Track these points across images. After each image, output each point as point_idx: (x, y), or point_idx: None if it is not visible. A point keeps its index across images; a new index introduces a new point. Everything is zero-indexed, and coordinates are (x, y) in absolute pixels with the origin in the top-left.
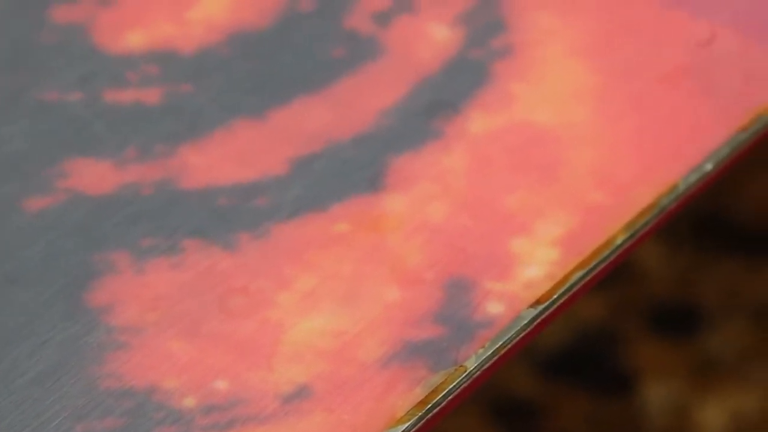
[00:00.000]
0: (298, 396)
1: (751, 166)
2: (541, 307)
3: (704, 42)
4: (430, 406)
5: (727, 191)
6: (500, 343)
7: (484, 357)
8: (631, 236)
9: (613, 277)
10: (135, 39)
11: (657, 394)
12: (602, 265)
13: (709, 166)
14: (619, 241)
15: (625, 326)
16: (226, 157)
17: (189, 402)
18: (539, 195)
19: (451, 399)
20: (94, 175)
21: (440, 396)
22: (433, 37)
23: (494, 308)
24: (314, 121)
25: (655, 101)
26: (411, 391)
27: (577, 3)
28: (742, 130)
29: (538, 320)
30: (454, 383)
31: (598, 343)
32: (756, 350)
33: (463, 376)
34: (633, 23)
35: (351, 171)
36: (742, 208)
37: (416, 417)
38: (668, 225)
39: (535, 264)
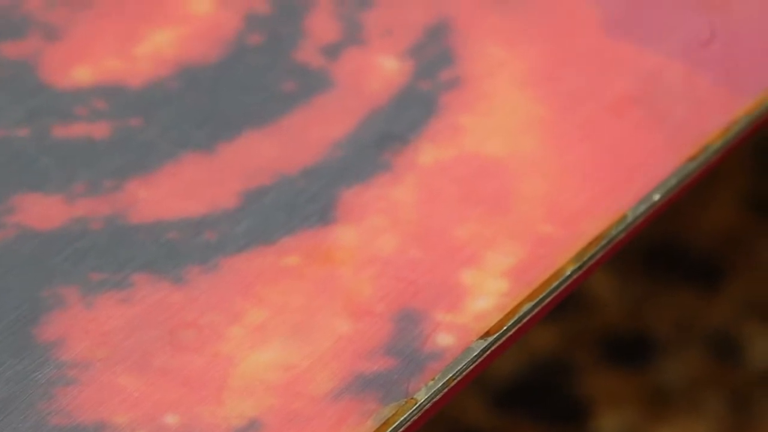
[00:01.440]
0: (249, 430)
1: (702, 195)
2: (491, 339)
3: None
4: None
5: (679, 220)
6: (450, 374)
7: (435, 389)
8: (580, 267)
9: (566, 306)
10: (82, 74)
11: (610, 424)
12: (552, 296)
13: (657, 197)
14: (568, 271)
15: (578, 356)
16: (176, 191)
17: None
18: (489, 226)
19: (403, 431)
20: (42, 211)
21: (391, 429)
22: (383, 70)
23: (444, 340)
24: (264, 154)
25: (603, 132)
26: (362, 424)
27: (525, 34)
28: (690, 160)
29: (489, 351)
30: (405, 415)
31: (551, 373)
32: (708, 379)
33: (414, 408)
34: (580, 54)
35: (301, 204)
36: (693, 237)
37: None
38: (620, 254)
39: (484, 295)
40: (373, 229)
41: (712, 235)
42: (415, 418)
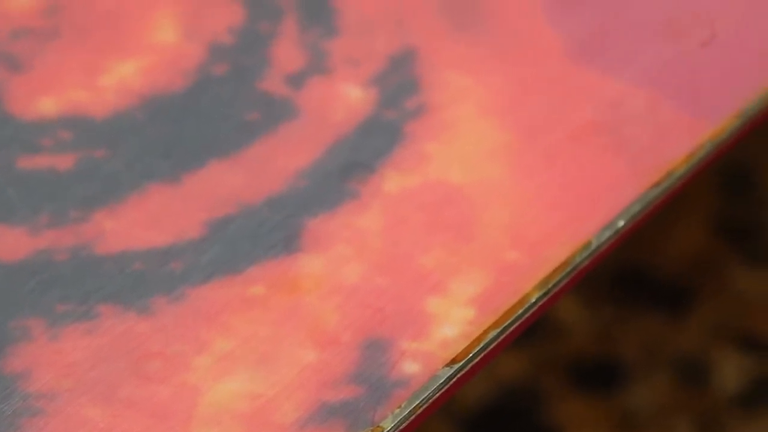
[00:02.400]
0: None
1: (669, 220)
2: (457, 366)
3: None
4: None
5: (647, 244)
6: (417, 402)
7: (401, 417)
8: (546, 293)
9: (534, 333)
10: (47, 105)
11: None
12: (517, 323)
13: (621, 223)
14: (533, 299)
15: (547, 382)
16: (141, 222)
17: None
18: (454, 254)
19: None
20: (7, 242)
21: None
22: (347, 98)
23: (410, 368)
24: (229, 184)
25: (567, 159)
26: None
27: (490, 62)
28: (654, 186)
29: (455, 379)
30: None
31: (520, 399)
32: (677, 404)
33: None
34: (544, 81)
35: (266, 233)
36: (661, 262)
37: None
38: (587, 280)
39: (450, 323)
40: (339, 258)
41: (679, 260)
42: None
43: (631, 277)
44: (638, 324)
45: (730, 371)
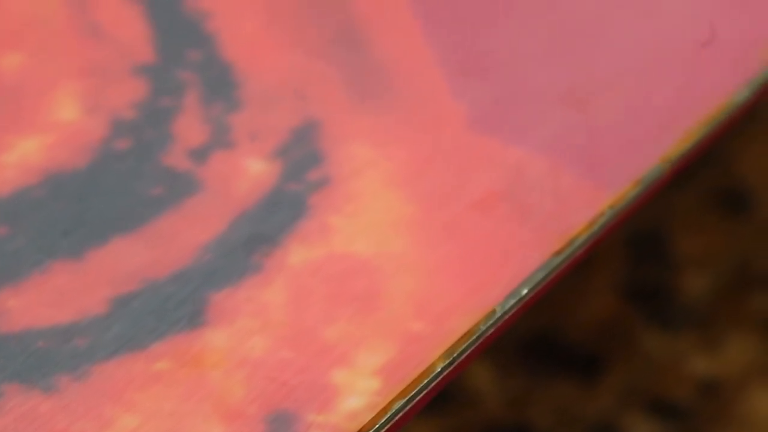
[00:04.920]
0: None
1: (578, 285)
2: None
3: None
4: None
5: (556, 310)
6: None
7: None
8: (451, 363)
9: (446, 401)
10: None
11: None
12: (423, 393)
13: (525, 291)
14: (439, 368)
15: None
16: (44, 300)
17: None
18: (359, 325)
19: None
20: None
21: None
22: (250, 172)
23: None
24: (132, 259)
25: (470, 228)
26: None
27: (392, 133)
28: (556, 254)
29: None
30: None
31: None
32: None
33: None
34: (447, 151)
35: (171, 308)
36: (571, 327)
37: None
38: (499, 347)
39: (356, 394)
40: (244, 332)
41: (589, 325)
42: None
43: (543, 343)
44: (550, 390)
45: None
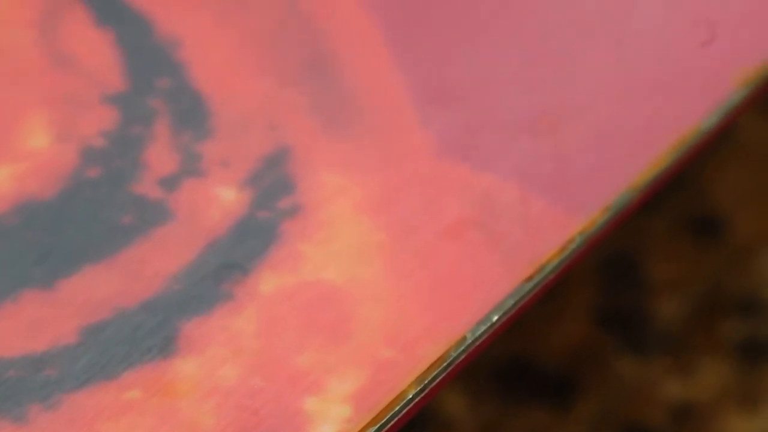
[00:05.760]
0: None
1: (550, 311)
2: None
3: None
4: None
5: (529, 336)
6: None
7: None
8: (422, 390)
9: (418, 427)
10: None
11: None
12: (395, 420)
13: (495, 317)
14: (410, 395)
15: None
16: (15, 329)
17: None
18: (330, 353)
19: None
20: None
21: None
22: (221, 200)
23: None
24: (103, 288)
25: (440, 255)
26: None
27: (363, 161)
28: (526, 280)
29: None
30: None
31: None
32: None
33: None
34: (417, 178)
35: (141, 337)
36: (544, 353)
37: None
38: (472, 373)
39: (328, 422)
40: (215, 360)
41: (562, 351)
42: None
43: (515, 368)
44: (523, 416)
45: None
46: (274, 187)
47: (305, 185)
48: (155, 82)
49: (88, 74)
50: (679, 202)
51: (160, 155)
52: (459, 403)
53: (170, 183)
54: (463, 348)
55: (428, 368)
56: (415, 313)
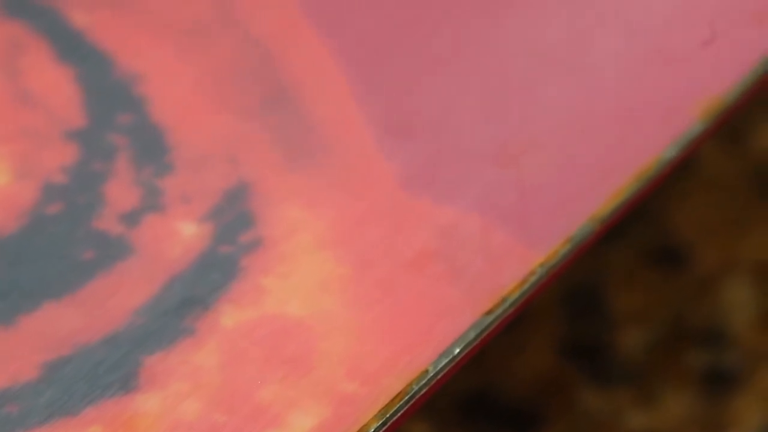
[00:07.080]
0: None
1: (515, 342)
2: None
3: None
4: None
5: (494, 367)
6: None
7: None
8: (384, 423)
9: None
10: None
11: None
12: None
13: (457, 350)
14: (372, 429)
15: None
16: None
17: None
18: (292, 387)
19: None
20: None
21: None
22: (182, 235)
23: None
24: (64, 324)
25: (402, 288)
26: None
27: (324, 194)
28: (488, 313)
29: None
30: None
31: None
32: None
33: None
34: (379, 211)
35: (102, 373)
36: (508, 384)
37: None
38: (436, 405)
39: None
40: (176, 395)
41: (526, 382)
42: None
43: (480, 401)
44: None
45: None
46: (235, 221)
47: (266, 219)
48: (116, 118)
49: (49, 110)
50: (642, 233)
51: (121, 191)
52: None
53: (131, 218)
54: (425, 381)
55: (390, 401)
56: (377, 346)
